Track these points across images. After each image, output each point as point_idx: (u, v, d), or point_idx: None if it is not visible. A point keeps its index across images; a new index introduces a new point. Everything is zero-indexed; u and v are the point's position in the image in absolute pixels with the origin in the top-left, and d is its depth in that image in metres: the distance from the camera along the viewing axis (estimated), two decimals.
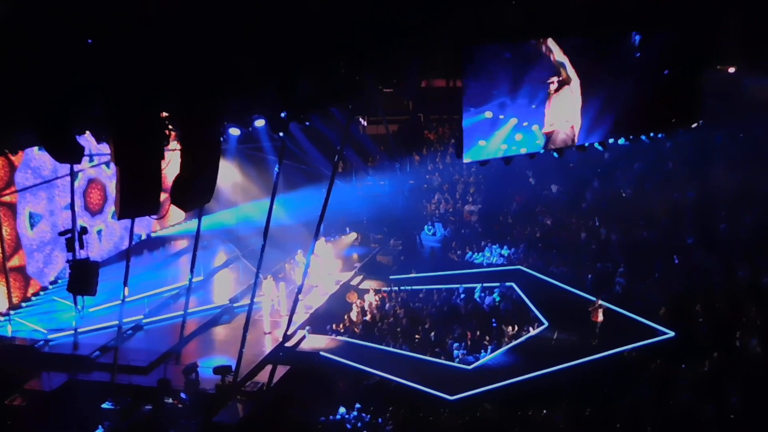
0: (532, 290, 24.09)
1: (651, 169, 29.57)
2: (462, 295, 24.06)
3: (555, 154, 18.75)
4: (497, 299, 23.54)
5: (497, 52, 16.62)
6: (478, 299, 23.81)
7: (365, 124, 35.99)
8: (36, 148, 22.72)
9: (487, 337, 21.08)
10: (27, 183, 23.04)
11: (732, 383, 17.50)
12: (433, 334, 21.61)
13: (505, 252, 27.72)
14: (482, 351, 20.58)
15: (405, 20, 14.83)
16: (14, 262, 22.89)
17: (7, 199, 22.40)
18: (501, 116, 17.22)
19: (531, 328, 21.66)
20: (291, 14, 12.89)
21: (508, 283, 24.52)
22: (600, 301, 21.24)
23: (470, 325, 21.85)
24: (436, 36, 16.31)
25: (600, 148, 19.34)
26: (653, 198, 28.04)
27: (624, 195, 28.99)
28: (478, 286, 24.39)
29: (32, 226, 23.31)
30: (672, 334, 20.56)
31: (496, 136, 17.46)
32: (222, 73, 12.33)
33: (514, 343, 20.95)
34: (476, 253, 28.10)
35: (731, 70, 24.57)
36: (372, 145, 34.47)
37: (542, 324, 21.88)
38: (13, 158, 22.19)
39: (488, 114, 17.05)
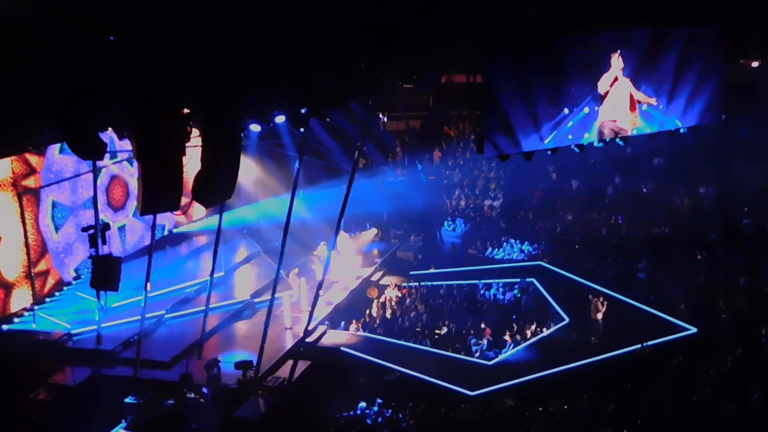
0: (553, 286, 23.99)
1: (673, 164, 29.37)
2: (482, 291, 24.03)
3: (576, 150, 18.71)
4: (518, 295, 23.49)
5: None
6: (498, 295, 23.77)
7: (385, 119, 36.00)
8: (57, 152, 22.92)
9: (508, 333, 21.05)
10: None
11: (754, 380, 17.37)
12: (453, 329, 21.63)
13: (525, 247, 27.65)
14: (503, 347, 20.56)
15: (424, 15, 14.81)
16: (41, 266, 23.05)
17: (31, 184, 22.42)
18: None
19: (552, 324, 21.60)
20: (310, 9, 12.93)
21: (528, 279, 24.44)
22: (601, 298, 21.20)
23: (491, 321, 21.82)
24: (455, 31, 16.29)
25: (621, 143, 19.30)
26: (675, 193, 27.87)
27: (645, 190, 28.82)
28: (499, 281, 24.34)
29: (57, 228, 23.43)
30: (694, 330, 20.43)
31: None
32: (242, 68, 12.40)
33: (534, 339, 20.91)
34: (497, 249, 28.06)
35: (755, 64, 24.31)
36: (392, 140, 34.48)
37: (563, 320, 21.80)
38: (34, 164, 22.35)
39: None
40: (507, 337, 20.77)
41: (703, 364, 18.51)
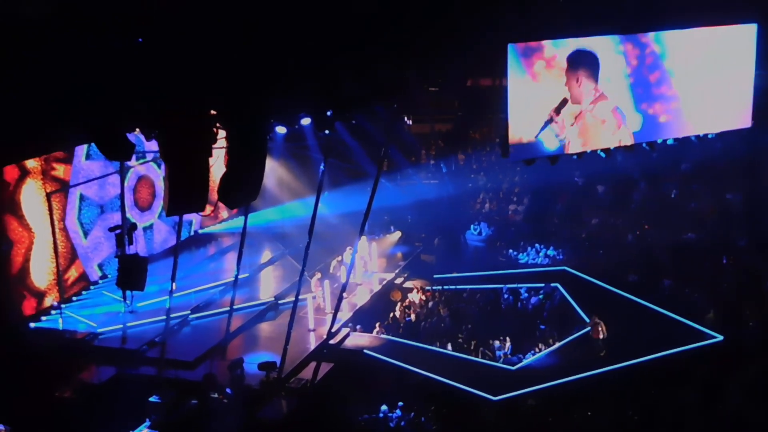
0: (578, 291, 23.87)
1: (700, 170, 29.10)
2: (506, 296, 23.95)
3: (602, 154, 18.55)
4: (542, 300, 23.38)
5: None
6: (522, 300, 23.67)
7: (410, 122, 35.96)
8: (83, 158, 23.06)
9: (531, 338, 20.95)
10: (76, 190, 23.27)
11: None
12: (476, 333, 21.55)
13: (550, 252, 27.52)
14: (526, 352, 20.47)
15: (451, 18, 14.79)
16: (71, 273, 23.25)
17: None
18: None
19: (576, 330, 21.46)
20: (336, 12, 12.95)
21: (553, 284, 24.35)
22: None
23: (514, 326, 21.73)
24: (482, 34, 16.24)
25: (647, 147, 19.15)
26: (702, 199, 27.61)
27: (672, 196, 28.59)
28: (523, 286, 24.26)
29: (86, 234, 23.64)
30: (720, 338, 20.22)
31: None
32: (268, 71, 12.44)
33: (558, 344, 20.79)
34: (521, 253, 27.95)
35: None
36: (417, 144, 34.45)
37: (587, 326, 21.64)
38: (60, 175, 22.53)
39: None
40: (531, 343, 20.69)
41: (730, 372, 18.31)
